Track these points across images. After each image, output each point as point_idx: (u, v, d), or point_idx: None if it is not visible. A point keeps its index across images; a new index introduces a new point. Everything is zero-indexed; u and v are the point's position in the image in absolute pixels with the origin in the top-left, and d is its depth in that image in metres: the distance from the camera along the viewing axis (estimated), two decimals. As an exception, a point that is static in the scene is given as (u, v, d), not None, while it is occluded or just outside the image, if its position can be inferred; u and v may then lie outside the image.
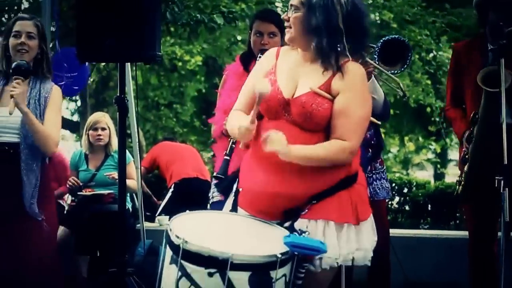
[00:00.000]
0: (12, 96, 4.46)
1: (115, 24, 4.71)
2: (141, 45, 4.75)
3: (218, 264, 3.37)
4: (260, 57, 4.50)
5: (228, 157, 4.71)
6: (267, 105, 3.77)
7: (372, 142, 5.42)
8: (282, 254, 3.45)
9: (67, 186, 7.18)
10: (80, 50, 4.85)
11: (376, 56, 5.12)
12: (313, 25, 3.68)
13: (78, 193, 7.13)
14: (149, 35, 4.75)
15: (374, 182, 5.48)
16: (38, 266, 4.59)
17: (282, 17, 3.94)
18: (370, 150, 5.42)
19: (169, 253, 3.54)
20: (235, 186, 4.02)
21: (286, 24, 3.84)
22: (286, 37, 3.86)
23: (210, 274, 3.38)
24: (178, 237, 3.45)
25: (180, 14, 11.00)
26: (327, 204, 3.73)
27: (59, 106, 4.83)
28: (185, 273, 3.42)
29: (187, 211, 3.83)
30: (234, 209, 3.92)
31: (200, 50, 16.68)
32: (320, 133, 3.73)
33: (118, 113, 4.97)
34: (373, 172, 5.49)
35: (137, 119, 6.99)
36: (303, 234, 3.57)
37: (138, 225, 7.23)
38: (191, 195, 8.09)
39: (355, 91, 3.72)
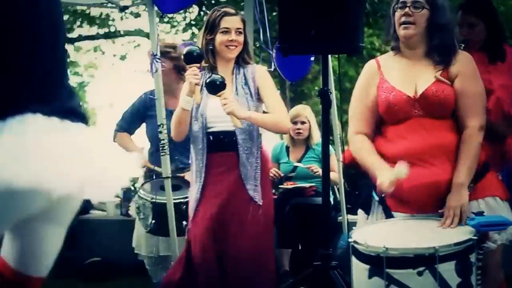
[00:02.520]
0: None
1: (318, 15, 4.66)
2: (345, 37, 4.68)
3: (425, 261, 3.36)
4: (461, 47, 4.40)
5: None
6: (395, 109, 3.99)
7: None
8: (474, 235, 3.49)
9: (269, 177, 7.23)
10: (282, 42, 4.84)
11: None
12: (439, 22, 3.97)
13: (280, 186, 7.15)
14: (353, 26, 4.68)
15: None
16: (252, 247, 4.66)
17: (404, 11, 3.99)
18: None
19: (363, 268, 3.52)
20: (374, 196, 4.07)
21: (405, 19, 3.98)
22: (406, 32, 4.00)
23: (420, 273, 3.36)
24: (375, 247, 3.44)
25: (380, 5, 10.89)
26: (486, 183, 3.98)
27: (270, 82, 4.85)
28: (392, 280, 3.38)
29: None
30: (388, 216, 3.98)
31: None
32: (448, 119, 3.97)
33: (321, 105, 4.92)
34: None
35: (339, 111, 6.92)
36: (483, 214, 3.70)
37: (340, 217, 7.19)
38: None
39: (468, 74, 3.99)
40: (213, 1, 13.44)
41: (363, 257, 3.50)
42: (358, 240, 3.54)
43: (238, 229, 4.66)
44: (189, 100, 4.66)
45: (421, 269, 3.34)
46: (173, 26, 16.56)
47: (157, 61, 5.54)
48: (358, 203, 4.26)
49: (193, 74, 4.57)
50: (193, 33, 16.46)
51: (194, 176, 4.79)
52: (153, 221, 5.58)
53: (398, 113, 3.98)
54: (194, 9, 14.85)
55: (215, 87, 4.51)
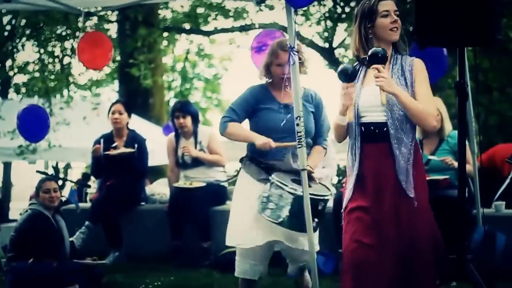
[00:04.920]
0: (380, 87, 4.49)
1: (455, 7, 4.64)
2: (483, 29, 4.64)
3: None
4: None
5: None
6: None
7: None
8: None
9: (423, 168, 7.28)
10: (419, 35, 4.82)
11: None
12: None
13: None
14: (491, 18, 4.63)
15: None
16: (407, 238, 4.56)
17: None
18: None
19: None
20: None
21: None
22: None
23: None
24: None
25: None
26: None
27: (426, 77, 4.71)
28: None
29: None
30: None
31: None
32: None
33: (457, 98, 4.90)
34: None
35: (474, 104, 6.86)
36: None
37: (474, 211, 7.13)
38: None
39: None
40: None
41: None
42: None
43: (394, 221, 4.57)
44: (343, 119, 4.66)
45: None
46: (307, 19, 16.58)
47: (294, 54, 5.65)
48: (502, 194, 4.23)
49: (349, 94, 4.57)
50: (326, 25, 16.44)
51: (349, 167, 4.76)
52: (288, 214, 5.36)
53: None
54: (328, 2, 14.89)
55: (376, 58, 4.50)
